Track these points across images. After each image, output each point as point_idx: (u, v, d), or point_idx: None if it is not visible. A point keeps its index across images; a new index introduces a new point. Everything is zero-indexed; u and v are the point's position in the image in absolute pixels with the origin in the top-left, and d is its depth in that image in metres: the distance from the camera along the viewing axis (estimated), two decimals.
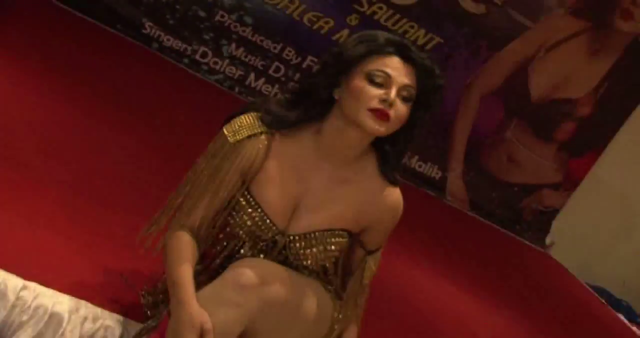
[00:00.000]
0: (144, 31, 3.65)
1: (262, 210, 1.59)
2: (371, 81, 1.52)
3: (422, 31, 3.90)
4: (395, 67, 1.53)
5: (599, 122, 4.42)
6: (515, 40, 4.13)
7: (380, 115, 1.51)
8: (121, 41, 3.56)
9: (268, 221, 1.60)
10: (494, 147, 4.33)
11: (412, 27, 3.88)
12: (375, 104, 1.51)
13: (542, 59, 4.21)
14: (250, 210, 1.59)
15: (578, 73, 4.30)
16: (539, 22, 4.15)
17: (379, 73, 1.52)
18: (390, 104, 1.51)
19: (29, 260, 1.66)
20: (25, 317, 1.56)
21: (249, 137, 1.57)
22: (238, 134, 1.57)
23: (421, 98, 1.56)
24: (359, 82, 1.52)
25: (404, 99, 1.53)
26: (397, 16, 3.85)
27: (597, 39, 4.27)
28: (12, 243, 1.68)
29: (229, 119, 1.60)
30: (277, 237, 1.60)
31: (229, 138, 1.57)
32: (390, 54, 1.53)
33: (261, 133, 1.57)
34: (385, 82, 1.52)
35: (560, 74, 4.28)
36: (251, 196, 1.60)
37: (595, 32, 4.26)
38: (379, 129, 1.53)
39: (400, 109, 1.53)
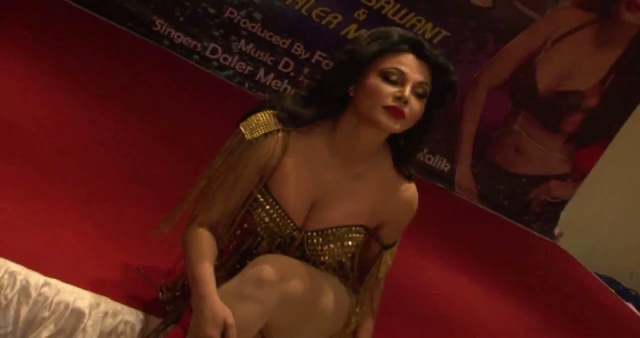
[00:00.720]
0: (154, 28, 3.67)
1: (280, 207, 1.60)
2: (386, 79, 1.52)
3: (430, 25, 3.90)
4: (409, 65, 1.53)
5: (606, 113, 4.39)
6: (522, 33, 4.13)
7: (395, 112, 1.52)
8: (132, 39, 3.57)
9: (286, 217, 1.61)
10: (502, 139, 4.32)
11: (419, 21, 3.89)
12: (390, 101, 1.52)
13: (548, 52, 4.19)
14: (267, 206, 1.60)
15: (585, 65, 4.27)
16: (546, 15, 4.14)
17: (394, 71, 1.52)
18: (405, 102, 1.51)
19: (49, 257, 1.68)
20: (47, 313, 1.58)
21: (266, 134, 1.57)
22: (255, 132, 1.58)
23: (435, 94, 1.57)
24: (374, 80, 1.53)
25: (419, 96, 1.54)
26: (405, 10, 3.86)
27: (603, 31, 4.24)
28: (31, 240, 1.71)
29: (245, 117, 1.61)
30: (294, 234, 1.62)
31: (246, 136, 1.57)
32: (404, 51, 1.53)
33: (277, 130, 1.58)
34: (399, 80, 1.52)
35: (567, 66, 4.25)
36: (269, 193, 1.61)
37: (602, 23, 4.23)
38: (394, 126, 1.54)
39: (415, 106, 1.53)
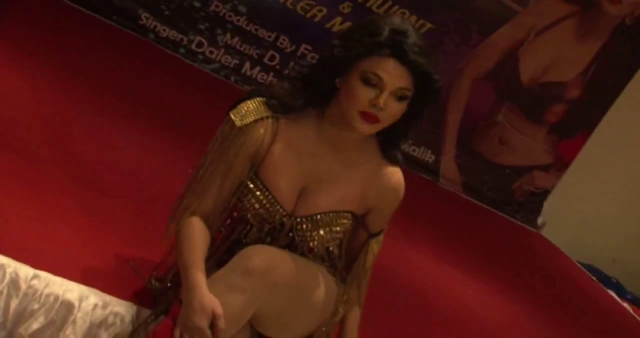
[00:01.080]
0: (140, 22, 3.65)
1: (270, 193, 1.62)
2: (365, 81, 1.51)
3: (414, 18, 3.90)
4: (389, 71, 1.50)
5: (588, 104, 4.41)
6: (505, 25, 4.14)
7: (368, 118, 1.53)
8: (118, 32, 3.57)
9: (276, 204, 1.62)
10: (486, 130, 4.34)
11: (403, 13, 3.87)
12: (364, 107, 1.52)
13: (531, 43, 4.21)
14: (258, 193, 1.62)
15: (567, 56, 4.29)
16: (529, 7, 4.14)
17: (372, 76, 1.51)
18: (381, 108, 1.51)
19: (39, 250, 1.69)
20: (36, 305, 1.59)
21: (256, 121, 1.59)
22: (245, 119, 1.59)
23: (419, 95, 1.55)
24: (354, 81, 1.52)
25: (399, 98, 1.53)
26: (389, 3, 3.85)
27: (585, 23, 4.24)
28: (21, 233, 1.72)
29: (234, 105, 1.62)
30: (284, 220, 1.63)
31: (236, 122, 1.59)
32: (387, 56, 1.50)
33: (267, 117, 1.59)
34: (378, 85, 1.51)
35: (549, 57, 4.26)
36: (259, 180, 1.62)
37: (583, 15, 4.22)
38: (367, 130, 1.56)
39: (391, 109, 1.53)
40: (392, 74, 1.50)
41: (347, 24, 3.78)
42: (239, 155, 1.59)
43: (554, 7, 4.20)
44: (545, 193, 4.53)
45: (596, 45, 4.32)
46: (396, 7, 3.88)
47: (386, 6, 3.87)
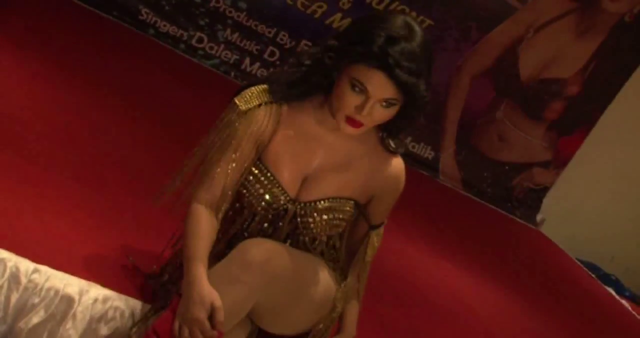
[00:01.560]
0: (140, 18, 3.66)
1: (275, 179, 1.63)
2: (352, 87, 1.52)
3: (413, 14, 3.88)
4: (375, 83, 1.50)
5: (587, 100, 4.43)
6: (505, 22, 4.16)
7: (352, 123, 1.54)
8: (118, 28, 3.58)
9: (281, 189, 1.63)
10: (485, 126, 4.36)
11: (403, 10, 3.87)
12: (350, 112, 1.53)
13: (531, 40, 4.22)
14: (263, 178, 1.63)
15: (566, 53, 4.30)
16: (528, 3, 4.16)
17: (359, 85, 1.51)
18: (365, 115, 1.52)
19: (38, 244, 1.69)
20: (37, 299, 1.58)
21: (259, 105, 1.60)
22: (249, 103, 1.60)
23: (408, 103, 1.54)
24: (343, 85, 1.53)
25: (387, 105, 1.53)
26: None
27: (584, 19, 4.26)
28: (21, 227, 1.72)
29: (238, 91, 1.63)
30: (288, 205, 1.64)
31: (240, 106, 1.60)
32: (374, 67, 1.49)
33: (271, 102, 1.60)
34: (364, 92, 1.51)
35: (549, 54, 4.28)
36: (263, 165, 1.63)
37: (583, 12, 4.24)
38: (352, 132, 1.57)
39: (378, 115, 1.53)
40: (378, 86, 1.50)
41: (347, 21, 3.80)
42: (244, 139, 1.59)
43: (553, 4, 4.22)
44: (545, 190, 4.56)
45: (595, 42, 4.34)
46: (396, 3, 3.90)
47: (386, 2, 3.89)
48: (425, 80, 1.51)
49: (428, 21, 3.96)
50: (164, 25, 3.70)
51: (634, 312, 3.98)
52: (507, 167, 4.46)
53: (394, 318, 2.36)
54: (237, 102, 1.60)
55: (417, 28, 1.52)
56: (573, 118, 4.46)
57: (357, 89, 1.51)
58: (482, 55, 4.20)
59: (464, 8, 4.05)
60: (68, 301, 1.61)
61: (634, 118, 4.55)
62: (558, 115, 4.42)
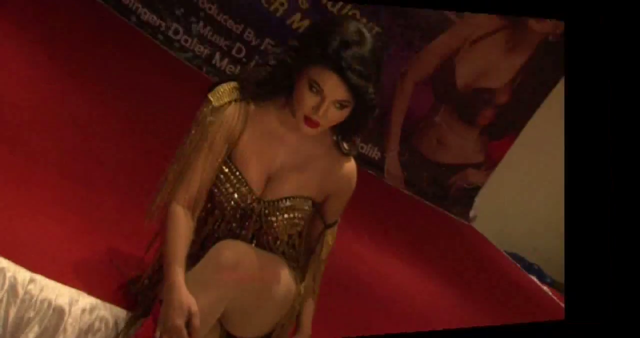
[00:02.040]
0: (123, 1, 3.58)
1: (243, 178, 1.65)
2: (310, 87, 1.55)
3: (364, 20, 3.94)
4: (329, 84, 1.53)
5: (515, 109, 4.61)
6: (444, 33, 4.33)
7: (310, 123, 1.58)
8: (102, 13, 3.48)
9: (248, 189, 1.66)
10: (426, 130, 4.50)
11: (354, 14, 3.92)
12: (308, 112, 1.57)
13: (467, 52, 4.38)
14: (232, 177, 1.66)
15: (497, 65, 4.47)
16: (464, 18, 4.32)
17: (316, 86, 1.54)
18: (320, 116, 1.57)
19: (26, 245, 1.68)
20: (32, 313, 1.58)
21: (229, 102, 1.63)
22: (221, 99, 1.63)
23: (359, 106, 1.58)
24: (302, 85, 1.57)
25: (340, 106, 1.56)
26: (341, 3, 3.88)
27: (513, 37, 4.43)
28: (7, 229, 1.70)
29: (211, 87, 1.66)
30: (254, 205, 1.66)
31: (213, 103, 1.62)
32: (329, 69, 1.53)
33: (240, 100, 1.64)
34: (320, 94, 1.55)
35: (482, 65, 4.45)
36: (233, 165, 1.66)
37: (512, 30, 4.42)
38: (309, 132, 1.61)
39: (332, 116, 1.57)
40: (332, 87, 1.53)
41: (306, 22, 3.80)
42: (217, 137, 1.61)
43: (486, 21, 4.38)
44: (477, 189, 4.71)
45: (523, 57, 4.51)
46: (349, 6, 3.90)
47: (339, 4, 3.88)
48: (374, 84, 1.54)
49: (377, 28, 4.01)
50: (145, 13, 3.62)
51: (554, 297, 4.13)
52: (444, 168, 4.59)
53: (339, 310, 2.37)
54: (210, 98, 1.63)
55: (367, 35, 1.55)
56: (502, 124, 4.63)
57: (314, 89, 1.54)
58: (424, 63, 4.34)
59: (408, 18, 4.15)
60: (59, 313, 1.60)
61: (554, 126, 4.52)
62: (489, 121, 4.59)
